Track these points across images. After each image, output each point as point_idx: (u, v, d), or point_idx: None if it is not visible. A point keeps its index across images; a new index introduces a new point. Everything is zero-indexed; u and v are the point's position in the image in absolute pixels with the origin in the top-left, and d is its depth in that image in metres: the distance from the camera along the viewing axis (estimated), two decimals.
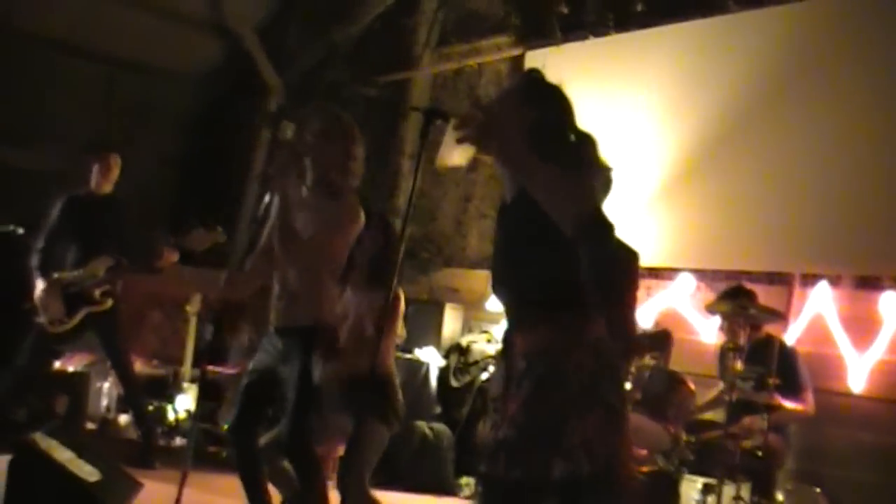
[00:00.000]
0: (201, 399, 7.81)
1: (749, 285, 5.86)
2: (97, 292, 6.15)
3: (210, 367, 7.90)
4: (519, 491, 2.73)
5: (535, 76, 3.07)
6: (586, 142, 2.97)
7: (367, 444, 4.39)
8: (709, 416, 5.89)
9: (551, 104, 2.96)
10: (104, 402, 7.75)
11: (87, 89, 9.92)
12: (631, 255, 4.33)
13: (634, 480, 2.82)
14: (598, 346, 2.81)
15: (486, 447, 2.87)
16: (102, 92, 10.00)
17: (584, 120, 3.11)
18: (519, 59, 8.35)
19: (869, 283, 6.22)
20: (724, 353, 5.73)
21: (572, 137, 2.95)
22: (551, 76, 3.08)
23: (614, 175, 4.35)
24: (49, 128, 9.41)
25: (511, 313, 2.95)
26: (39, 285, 6.09)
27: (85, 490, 4.49)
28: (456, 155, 2.71)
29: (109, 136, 9.32)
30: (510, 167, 2.78)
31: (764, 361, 5.39)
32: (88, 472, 4.63)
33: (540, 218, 2.71)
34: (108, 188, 6.36)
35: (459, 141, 2.61)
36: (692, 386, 5.45)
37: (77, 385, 7.32)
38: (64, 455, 4.60)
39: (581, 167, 2.87)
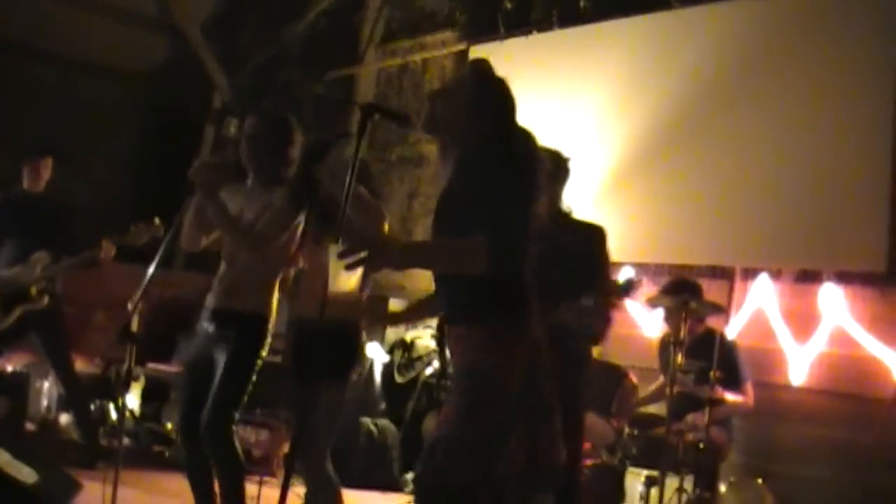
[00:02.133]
0: (145, 397, 7.75)
1: (693, 279, 5.90)
2: (34, 290, 6.06)
3: (154, 366, 7.83)
4: (456, 488, 2.74)
5: (483, 67, 3.15)
6: (525, 139, 3.01)
7: (329, 414, 4.13)
8: (652, 409, 5.92)
9: (499, 94, 3.05)
10: (45, 403, 7.63)
11: (38, 91, 9.78)
12: (600, 233, 4.38)
13: (580, 475, 2.89)
14: (536, 347, 2.88)
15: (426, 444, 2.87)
16: (53, 93, 9.87)
17: (528, 115, 3.15)
18: (463, 55, 8.34)
19: (809, 277, 6.30)
20: (665, 346, 5.77)
21: (513, 135, 3.00)
22: (496, 70, 3.14)
23: (571, 165, 4.44)
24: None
25: (448, 305, 2.95)
26: None
27: (22, 492, 4.42)
28: (346, 279, 2.81)
29: (60, 136, 9.18)
30: (399, 269, 2.83)
31: (705, 355, 5.43)
32: (26, 474, 4.55)
33: (469, 200, 2.82)
34: (39, 188, 6.28)
35: (347, 268, 2.72)
36: (634, 380, 5.48)
37: (17, 385, 7.18)
38: (1, 457, 4.52)
39: (521, 165, 2.93)
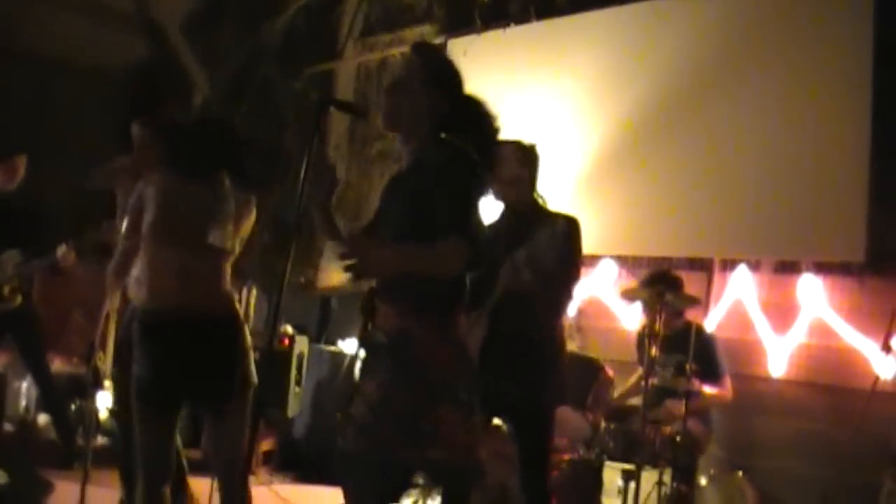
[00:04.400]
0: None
1: (673, 272, 5.87)
2: (6, 289, 6.01)
3: None
4: (365, 466, 2.79)
5: (425, 48, 3.22)
6: (478, 101, 3.06)
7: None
8: (631, 402, 5.89)
9: (444, 70, 3.07)
10: (23, 403, 7.57)
11: (13, 90, 9.69)
12: (571, 221, 4.34)
13: (479, 471, 2.90)
14: (462, 346, 2.94)
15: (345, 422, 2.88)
16: (28, 92, 9.78)
17: (507, 108, 3.17)
18: (442, 48, 8.29)
19: (787, 268, 6.27)
20: (643, 339, 5.75)
21: (465, 98, 3.05)
22: (474, 64, 3.22)
23: (538, 151, 4.41)
24: None
25: (385, 283, 2.95)
26: None
27: None
28: (336, 276, 2.81)
29: (35, 135, 9.11)
30: (387, 275, 2.85)
31: (683, 348, 5.41)
32: None
33: (430, 190, 2.85)
34: (12, 187, 6.22)
35: (345, 270, 2.74)
36: (610, 373, 5.45)
37: None
38: None
39: (477, 121, 3.01)
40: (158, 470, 3.70)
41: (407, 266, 2.79)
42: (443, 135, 2.99)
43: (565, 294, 4.39)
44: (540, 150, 4.47)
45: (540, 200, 4.45)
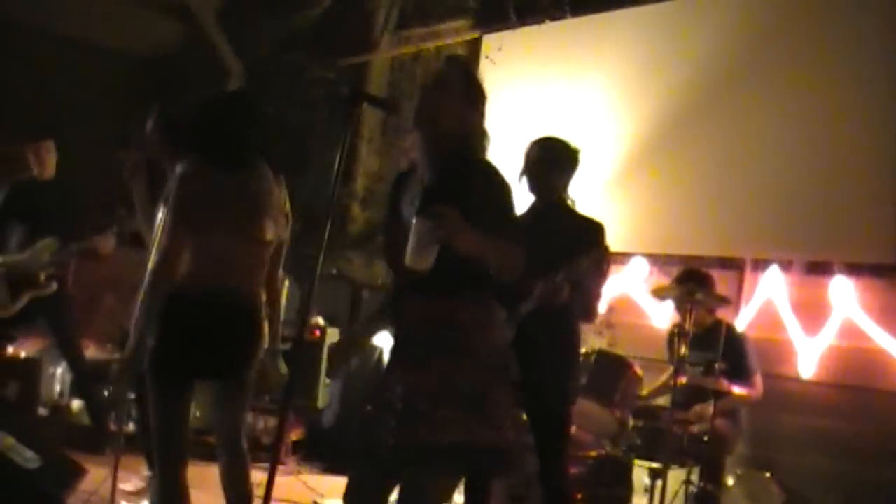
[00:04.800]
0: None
1: (704, 270, 5.86)
2: (42, 276, 6.09)
3: None
4: (441, 458, 2.81)
5: (461, 63, 3.31)
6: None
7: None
8: (660, 401, 5.89)
9: (475, 90, 3.12)
10: (57, 388, 7.67)
11: (48, 72, 9.78)
12: (598, 228, 4.35)
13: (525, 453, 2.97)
14: (505, 329, 3.04)
15: (391, 418, 2.88)
16: (63, 74, 9.86)
17: (540, 103, 3.22)
18: (476, 43, 8.34)
19: (819, 269, 6.25)
20: (673, 337, 5.75)
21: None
22: (508, 59, 3.26)
23: (581, 156, 4.42)
24: (7, 110, 9.28)
25: (418, 281, 2.94)
26: None
27: (24, 477, 4.45)
28: (424, 258, 2.80)
29: (68, 120, 9.20)
30: (469, 252, 2.84)
31: (714, 347, 5.41)
32: (28, 459, 4.58)
33: (467, 206, 2.84)
34: (48, 173, 6.28)
35: (433, 241, 2.77)
36: (639, 371, 5.45)
37: (29, 370, 7.22)
38: (3, 442, 4.55)
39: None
40: (173, 450, 3.74)
41: (488, 253, 2.86)
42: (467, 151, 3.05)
43: (593, 300, 4.43)
44: (580, 156, 4.48)
45: (569, 201, 4.46)
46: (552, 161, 4.39)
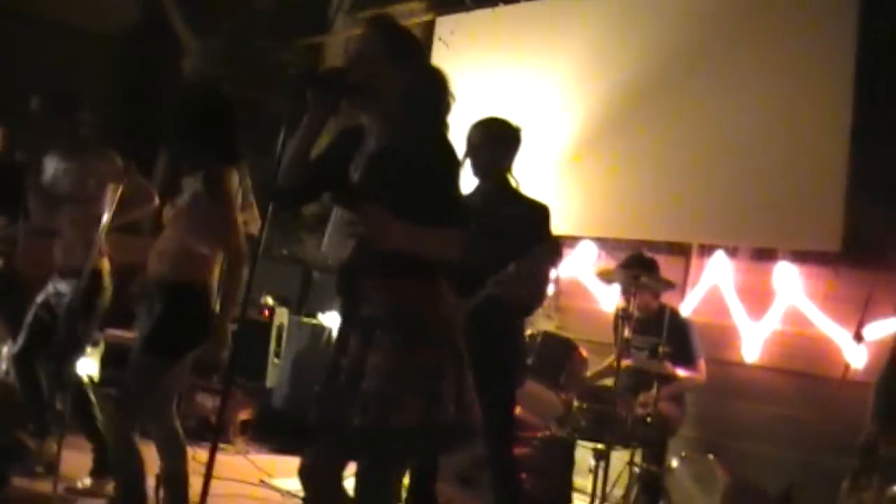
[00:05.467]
0: (104, 363, 7.71)
1: (649, 255, 5.93)
2: None
3: (114, 332, 7.79)
4: (395, 439, 2.81)
5: (382, 20, 3.12)
6: (439, 74, 3.07)
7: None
8: (606, 382, 5.95)
9: (402, 41, 3.04)
10: (3, 367, 7.58)
11: (8, 50, 9.65)
12: (545, 212, 4.38)
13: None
14: (455, 308, 3.00)
15: (342, 396, 2.88)
16: (17, 51, 9.73)
17: (492, 87, 3.18)
18: (430, 25, 8.33)
19: (765, 255, 6.35)
20: (617, 321, 5.81)
21: (426, 69, 3.08)
22: (461, 42, 3.19)
23: (521, 135, 4.44)
24: None
25: (369, 258, 2.93)
26: None
27: None
28: (341, 249, 2.78)
29: (20, 97, 9.07)
30: (394, 246, 2.79)
31: (659, 331, 5.47)
32: None
33: (415, 179, 2.84)
34: None
35: (351, 236, 2.80)
36: (585, 353, 5.50)
37: None
38: None
39: (440, 97, 3.01)
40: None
41: (414, 245, 2.80)
42: (412, 111, 2.97)
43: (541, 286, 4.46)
44: (521, 134, 4.50)
45: (513, 182, 4.49)
46: (493, 140, 4.42)
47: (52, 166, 5.25)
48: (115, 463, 4.09)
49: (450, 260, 2.87)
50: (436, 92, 3.01)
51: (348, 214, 2.77)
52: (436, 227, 2.81)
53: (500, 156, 4.43)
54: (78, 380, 5.26)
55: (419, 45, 3.13)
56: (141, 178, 5.22)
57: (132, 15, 10.40)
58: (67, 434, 4.62)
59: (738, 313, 6.34)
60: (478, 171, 4.42)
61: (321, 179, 3.09)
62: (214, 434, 3.09)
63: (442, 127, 3.00)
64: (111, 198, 4.79)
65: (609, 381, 5.92)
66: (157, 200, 5.12)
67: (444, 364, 2.85)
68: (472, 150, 4.38)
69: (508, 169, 4.46)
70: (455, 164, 2.97)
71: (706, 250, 6.57)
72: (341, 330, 3.05)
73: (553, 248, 4.36)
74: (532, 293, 4.30)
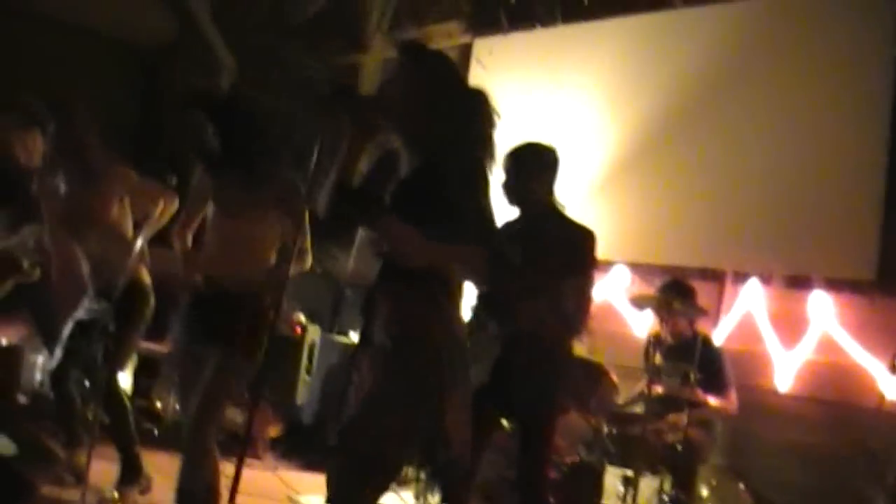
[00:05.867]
0: (136, 375, 7.78)
1: (686, 281, 5.89)
2: (26, 263, 6.08)
3: (147, 344, 7.85)
4: (378, 463, 2.82)
5: (413, 45, 3.16)
6: (477, 95, 3.05)
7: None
8: (635, 409, 5.92)
9: (435, 66, 3.06)
10: (38, 376, 7.66)
11: (38, 56, 9.77)
12: (587, 238, 4.36)
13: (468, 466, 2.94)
14: (462, 342, 2.98)
15: (350, 410, 2.90)
16: (54, 61, 9.85)
17: (527, 108, 3.18)
18: (467, 47, 8.37)
19: (799, 283, 6.30)
20: (648, 346, 5.78)
21: (463, 92, 3.06)
22: (498, 64, 3.18)
23: (558, 155, 4.43)
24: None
25: (391, 275, 2.96)
26: None
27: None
28: (368, 268, 2.82)
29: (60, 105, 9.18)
30: (420, 265, 2.82)
31: (691, 357, 5.44)
32: (4, 445, 4.61)
33: (443, 194, 2.86)
34: (34, 161, 6.27)
35: (375, 254, 2.83)
36: (614, 378, 5.48)
37: (10, 358, 7.21)
38: None
39: (475, 119, 2.99)
40: None
41: (437, 261, 2.82)
42: (447, 135, 2.97)
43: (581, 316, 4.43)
44: (558, 156, 4.49)
45: (557, 205, 4.47)
46: (531, 165, 4.39)
47: (65, 190, 5.30)
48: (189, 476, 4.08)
49: (475, 276, 2.88)
50: (470, 114, 3.00)
51: (372, 233, 2.78)
52: (460, 245, 2.81)
53: (538, 180, 4.41)
54: (116, 390, 5.31)
55: (454, 70, 3.13)
56: (151, 181, 5.25)
57: (169, 30, 10.50)
58: (97, 444, 4.65)
59: (771, 341, 6.29)
60: (517, 196, 4.39)
61: (360, 206, 3.10)
62: (241, 449, 3.11)
63: (477, 148, 2.99)
64: (138, 213, 4.87)
65: (639, 407, 5.91)
66: (171, 201, 5.10)
67: (434, 397, 2.84)
68: (509, 177, 4.37)
69: (549, 192, 4.45)
70: (483, 186, 2.96)
71: (740, 277, 6.53)
72: (357, 351, 3.06)
73: (584, 278, 4.34)
74: (571, 322, 4.28)
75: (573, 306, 4.29)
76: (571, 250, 4.27)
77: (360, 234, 2.78)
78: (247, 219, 4.19)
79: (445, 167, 2.91)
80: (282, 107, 8.84)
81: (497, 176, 3.12)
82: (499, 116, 3.04)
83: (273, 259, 4.19)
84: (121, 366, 5.47)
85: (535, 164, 4.40)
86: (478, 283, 2.90)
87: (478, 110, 3.02)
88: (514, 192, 4.36)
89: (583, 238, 4.36)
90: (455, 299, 2.98)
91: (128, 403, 5.37)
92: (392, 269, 2.87)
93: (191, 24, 10.13)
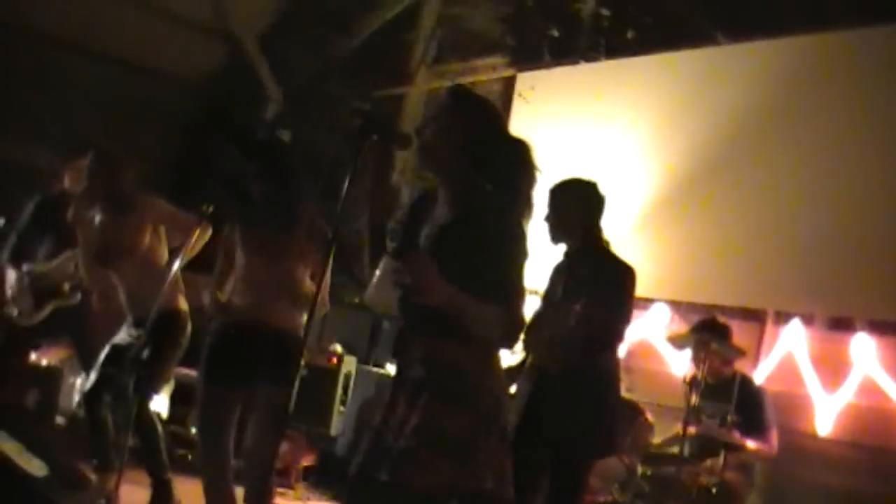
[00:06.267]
0: (173, 401, 7.81)
1: (722, 320, 5.81)
2: (66, 287, 6.17)
3: (184, 371, 7.88)
4: (421, 499, 2.76)
5: (459, 90, 3.13)
6: (520, 146, 3.00)
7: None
8: (671, 449, 5.83)
9: (478, 113, 3.01)
10: (76, 398, 7.71)
11: (91, 89, 9.94)
12: (625, 271, 4.32)
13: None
14: (502, 377, 2.97)
15: (377, 452, 2.85)
16: (105, 92, 10.02)
17: (570, 143, 3.15)
18: (511, 80, 8.38)
19: (842, 325, 6.16)
20: (685, 386, 5.69)
21: (505, 142, 3.00)
22: (540, 98, 3.15)
23: (601, 190, 4.40)
24: (47, 124, 9.43)
25: (420, 317, 2.90)
26: (10, 278, 6.13)
27: (29, 484, 4.49)
28: (382, 298, 2.82)
29: (109, 136, 9.34)
30: (436, 306, 2.78)
31: (729, 398, 5.35)
32: (36, 466, 4.63)
33: (476, 250, 2.82)
34: (80, 188, 6.36)
35: (393, 285, 2.76)
36: (650, 417, 5.41)
37: (49, 379, 7.28)
38: (11, 447, 4.61)
39: (515, 169, 2.95)
40: None
41: (454, 309, 2.77)
42: (486, 184, 2.95)
43: (616, 338, 4.37)
44: (601, 191, 4.45)
45: (601, 241, 4.43)
46: (575, 200, 4.36)
47: (99, 221, 5.40)
48: None
49: (487, 337, 2.84)
50: (511, 166, 2.95)
51: (394, 263, 2.77)
52: (484, 302, 2.77)
53: (580, 216, 4.38)
54: (148, 415, 5.33)
55: (497, 117, 3.08)
56: (184, 212, 5.29)
57: (215, 60, 10.63)
58: (127, 468, 4.68)
59: (812, 384, 6.15)
60: (558, 233, 4.37)
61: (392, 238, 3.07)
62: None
63: (516, 206, 2.94)
64: (173, 241, 4.93)
65: (675, 448, 5.82)
66: (205, 230, 5.11)
67: (474, 432, 2.79)
68: (551, 213, 4.34)
69: (593, 228, 4.41)
70: (517, 245, 2.90)
71: (781, 317, 6.40)
72: (392, 390, 3.02)
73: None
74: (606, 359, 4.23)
75: (608, 343, 4.25)
76: (608, 286, 4.23)
77: (383, 263, 2.73)
78: (281, 260, 4.24)
79: (483, 223, 2.87)
80: (320, 139, 8.93)
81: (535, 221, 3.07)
82: (540, 171, 2.99)
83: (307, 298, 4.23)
84: (154, 390, 5.48)
85: (575, 200, 4.37)
86: (487, 341, 2.85)
87: (519, 162, 2.97)
88: (554, 228, 4.34)
89: (621, 274, 4.32)
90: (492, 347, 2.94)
91: (160, 429, 5.40)
92: (431, 312, 2.83)
93: (239, 56, 10.26)
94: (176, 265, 4.83)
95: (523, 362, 4.39)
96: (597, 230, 4.42)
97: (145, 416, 5.27)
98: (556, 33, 8.02)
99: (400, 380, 2.95)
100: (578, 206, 4.38)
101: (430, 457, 2.74)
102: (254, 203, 4.33)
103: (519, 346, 3.68)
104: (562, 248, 4.43)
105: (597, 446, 4.32)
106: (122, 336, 5.31)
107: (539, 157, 2.99)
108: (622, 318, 4.30)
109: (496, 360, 2.93)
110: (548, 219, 4.35)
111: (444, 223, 2.97)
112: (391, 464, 2.77)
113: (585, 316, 4.06)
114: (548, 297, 4.38)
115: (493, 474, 2.80)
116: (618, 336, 4.36)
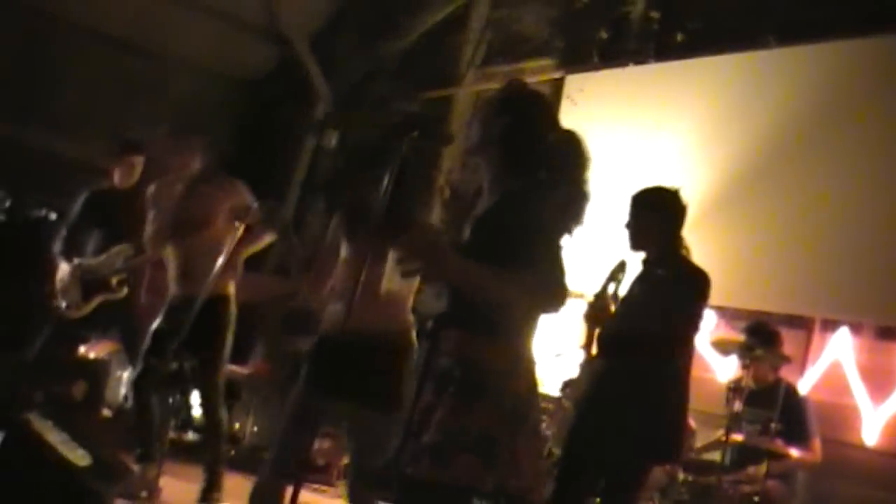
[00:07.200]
0: None
1: (772, 326, 5.74)
2: (114, 281, 6.24)
3: (229, 366, 7.93)
4: (442, 494, 2.76)
5: (514, 85, 3.12)
6: (570, 135, 2.99)
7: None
8: (711, 456, 5.77)
9: (526, 109, 3.00)
10: (122, 391, 7.82)
11: (142, 86, 10.08)
12: (696, 278, 4.29)
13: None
14: (531, 372, 2.91)
15: (406, 447, 2.85)
16: (156, 90, 10.16)
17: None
18: (559, 82, 8.34)
19: (890, 334, 6.09)
20: (728, 392, 5.63)
21: (549, 140, 2.98)
22: (589, 100, 3.12)
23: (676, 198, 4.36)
24: (100, 121, 9.59)
25: (453, 309, 2.90)
26: (63, 270, 6.23)
27: (71, 473, 4.54)
28: (397, 280, 2.82)
29: (159, 133, 9.45)
30: (451, 283, 2.80)
31: (773, 405, 5.29)
32: (80, 456, 4.68)
33: (512, 239, 2.79)
34: (129, 184, 6.44)
35: (404, 276, 2.82)
36: (693, 424, 5.35)
37: (96, 372, 7.38)
38: (56, 437, 4.66)
39: (565, 156, 2.94)
40: None
41: (467, 281, 2.76)
42: (537, 172, 2.94)
43: (680, 344, 4.33)
44: (680, 200, 4.42)
45: (679, 248, 4.39)
46: (645, 211, 4.35)
47: (166, 195, 5.55)
48: None
49: (509, 306, 2.78)
50: (562, 156, 2.95)
51: (398, 252, 2.76)
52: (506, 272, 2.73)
53: (663, 224, 4.36)
54: (216, 408, 5.47)
55: (546, 111, 3.09)
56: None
57: (265, 60, 10.73)
58: (169, 461, 4.73)
59: (859, 393, 6.06)
60: (642, 240, 4.35)
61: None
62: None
63: (565, 190, 2.92)
64: (233, 226, 4.97)
65: (716, 455, 5.75)
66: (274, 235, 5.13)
67: (501, 431, 2.77)
68: (634, 220, 4.33)
69: (673, 236, 4.38)
70: (555, 223, 2.87)
71: (829, 325, 6.33)
72: (420, 381, 3.01)
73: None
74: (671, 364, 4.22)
75: (672, 347, 4.22)
76: (680, 292, 4.19)
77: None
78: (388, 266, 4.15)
79: (521, 201, 2.87)
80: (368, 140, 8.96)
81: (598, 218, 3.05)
82: (590, 160, 2.97)
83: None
84: (219, 372, 5.51)
85: (656, 209, 4.33)
86: (509, 311, 2.79)
87: (569, 148, 2.97)
88: (635, 235, 4.33)
89: (695, 281, 4.28)
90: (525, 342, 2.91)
91: (225, 425, 5.49)
92: (462, 308, 2.81)
93: (290, 55, 10.35)
94: (236, 250, 4.96)
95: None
96: (677, 239, 4.38)
97: (213, 408, 5.43)
98: (604, 35, 7.96)
99: (427, 370, 2.94)
100: (660, 214, 4.34)
101: (451, 452, 2.73)
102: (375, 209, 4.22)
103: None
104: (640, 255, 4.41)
105: (652, 450, 4.24)
106: (160, 321, 5.45)
107: (588, 146, 2.98)
108: (689, 325, 4.27)
109: (527, 361, 2.90)
110: (628, 226, 4.33)
111: (486, 209, 2.98)
112: (413, 458, 2.78)
113: (652, 318, 4.05)
114: (624, 301, 4.34)
115: (519, 472, 2.78)
116: (682, 342, 4.32)
